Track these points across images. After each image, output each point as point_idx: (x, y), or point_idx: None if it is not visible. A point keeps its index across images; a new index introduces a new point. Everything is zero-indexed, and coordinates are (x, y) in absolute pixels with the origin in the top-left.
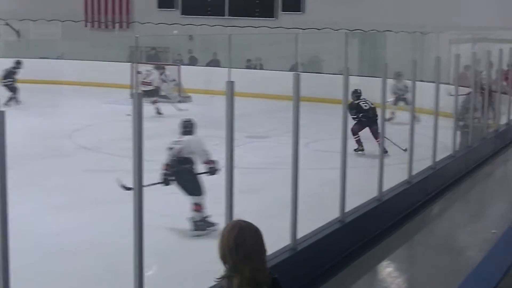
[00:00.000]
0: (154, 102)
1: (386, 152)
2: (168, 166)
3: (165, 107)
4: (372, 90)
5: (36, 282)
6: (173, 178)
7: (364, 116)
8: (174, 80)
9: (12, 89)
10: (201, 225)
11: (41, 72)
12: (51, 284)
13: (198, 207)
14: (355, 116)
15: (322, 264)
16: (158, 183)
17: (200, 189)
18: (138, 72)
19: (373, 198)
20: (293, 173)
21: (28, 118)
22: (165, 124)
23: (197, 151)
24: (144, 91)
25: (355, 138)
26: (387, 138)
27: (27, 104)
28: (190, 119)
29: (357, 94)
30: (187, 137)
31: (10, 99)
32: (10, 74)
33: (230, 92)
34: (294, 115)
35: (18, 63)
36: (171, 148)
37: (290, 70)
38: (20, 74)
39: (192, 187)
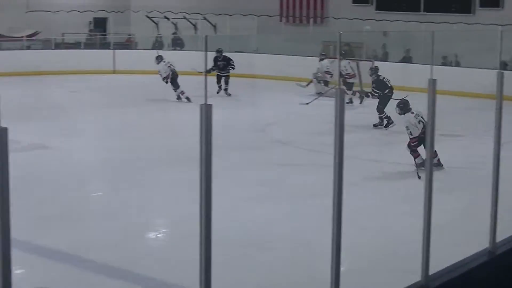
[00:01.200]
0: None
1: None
2: (417, 138)
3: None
4: None
5: (230, 274)
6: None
7: (389, 92)
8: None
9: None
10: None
11: (236, 66)
12: (245, 277)
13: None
14: (379, 93)
15: None
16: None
17: None
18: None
19: None
20: (493, 174)
21: (223, 110)
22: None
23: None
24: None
25: (382, 116)
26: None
27: (222, 97)
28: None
29: (376, 70)
30: (418, 111)
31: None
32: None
33: (432, 89)
34: (496, 115)
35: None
36: (421, 121)
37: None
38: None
39: None
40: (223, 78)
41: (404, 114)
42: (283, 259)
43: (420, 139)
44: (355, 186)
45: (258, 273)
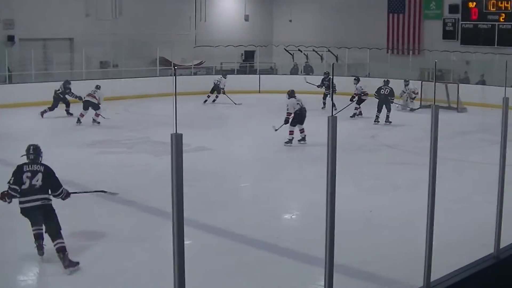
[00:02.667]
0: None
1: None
2: (293, 114)
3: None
4: None
5: (349, 247)
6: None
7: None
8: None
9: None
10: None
11: (352, 87)
12: (360, 249)
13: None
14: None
15: None
16: None
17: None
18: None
19: None
20: None
21: (343, 121)
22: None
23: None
24: None
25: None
26: None
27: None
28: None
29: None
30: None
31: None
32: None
33: (506, 106)
34: None
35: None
36: (299, 104)
37: None
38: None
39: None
40: (328, 95)
41: (289, 98)
42: (390, 235)
43: (296, 116)
44: (446, 179)
45: (369, 244)
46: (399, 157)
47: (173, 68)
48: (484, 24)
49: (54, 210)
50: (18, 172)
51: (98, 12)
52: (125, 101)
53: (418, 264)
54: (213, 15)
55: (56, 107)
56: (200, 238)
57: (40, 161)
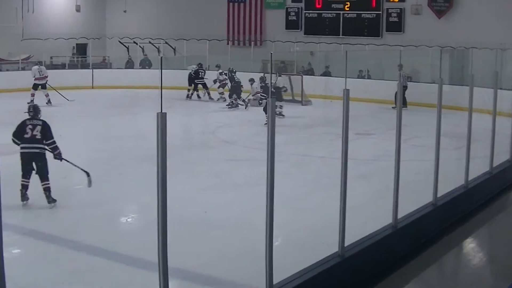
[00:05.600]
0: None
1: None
2: None
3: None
4: (461, 95)
5: (187, 250)
6: None
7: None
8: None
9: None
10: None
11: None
12: (199, 252)
13: None
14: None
15: (370, 271)
16: None
17: None
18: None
19: (428, 203)
20: (395, 164)
21: (181, 117)
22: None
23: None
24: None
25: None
26: None
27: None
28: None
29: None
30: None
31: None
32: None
33: (346, 98)
34: (397, 116)
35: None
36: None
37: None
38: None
39: None
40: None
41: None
42: (229, 235)
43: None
44: (290, 175)
45: (208, 246)
46: (239, 153)
47: None
48: (328, 13)
49: (46, 158)
50: (22, 125)
51: None
52: None
53: (261, 265)
54: (41, 5)
55: None
56: (30, 246)
57: (39, 117)
